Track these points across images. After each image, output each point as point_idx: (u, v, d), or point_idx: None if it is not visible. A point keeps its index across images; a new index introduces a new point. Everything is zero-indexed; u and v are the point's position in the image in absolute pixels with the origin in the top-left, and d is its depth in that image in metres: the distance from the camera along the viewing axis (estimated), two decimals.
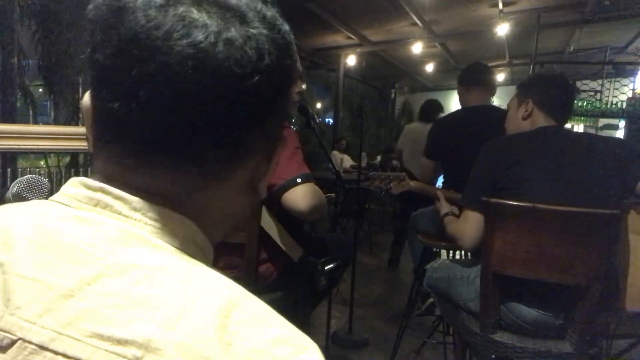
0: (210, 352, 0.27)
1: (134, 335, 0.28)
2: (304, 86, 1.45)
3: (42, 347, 0.28)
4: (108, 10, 0.34)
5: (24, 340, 0.28)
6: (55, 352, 0.28)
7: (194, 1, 0.34)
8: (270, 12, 0.38)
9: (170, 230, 0.35)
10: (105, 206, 0.35)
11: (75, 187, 0.36)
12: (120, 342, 0.28)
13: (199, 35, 0.33)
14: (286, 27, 0.39)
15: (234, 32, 0.34)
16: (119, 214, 0.34)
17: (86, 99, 0.38)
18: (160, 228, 0.35)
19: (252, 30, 0.35)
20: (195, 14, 0.33)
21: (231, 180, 0.40)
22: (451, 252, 2.32)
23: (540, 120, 1.40)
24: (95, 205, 0.35)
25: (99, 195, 0.35)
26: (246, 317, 0.30)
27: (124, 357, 0.27)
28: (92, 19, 0.35)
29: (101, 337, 0.28)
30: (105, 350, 0.27)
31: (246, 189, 0.43)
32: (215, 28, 0.33)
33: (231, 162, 0.39)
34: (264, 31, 0.36)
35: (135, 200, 0.35)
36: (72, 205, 0.35)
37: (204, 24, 0.33)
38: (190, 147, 0.35)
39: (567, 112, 1.43)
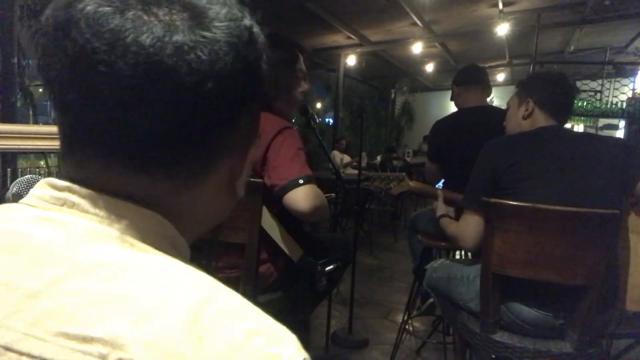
0: (179, 349, 0.27)
1: (100, 332, 0.27)
2: (306, 86, 1.45)
3: (7, 349, 0.28)
4: (57, 23, 0.33)
5: None
6: (20, 353, 0.28)
7: (144, 5, 0.33)
8: (228, 7, 0.36)
9: (140, 227, 0.35)
10: (72, 205, 0.34)
11: (43, 188, 0.36)
12: (85, 339, 0.27)
13: (146, 42, 0.32)
14: (247, 22, 0.37)
15: (182, 37, 0.33)
16: (86, 212, 0.34)
17: None
18: (129, 225, 0.34)
19: (205, 33, 0.34)
20: (142, 19, 0.32)
21: (204, 183, 0.39)
22: (451, 252, 2.32)
23: (541, 119, 1.40)
24: (62, 204, 0.34)
25: (65, 195, 0.35)
26: (219, 310, 0.30)
27: (89, 354, 0.27)
28: (44, 31, 0.34)
29: (67, 335, 0.27)
30: (71, 348, 0.27)
31: (223, 189, 0.42)
32: (162, 32, 0.32)
33: (201, 166, 0.38)
34: (220, 32, 0.34)
35: (102, 198, 0.34)
36: (40, 206, 0.35)
37: (150, 29, 0.32)
38: (153, 153, 0.35)
39: (567, 111, 1.43)
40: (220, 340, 0.28)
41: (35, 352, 0.27)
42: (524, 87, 1.47)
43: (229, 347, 0.28)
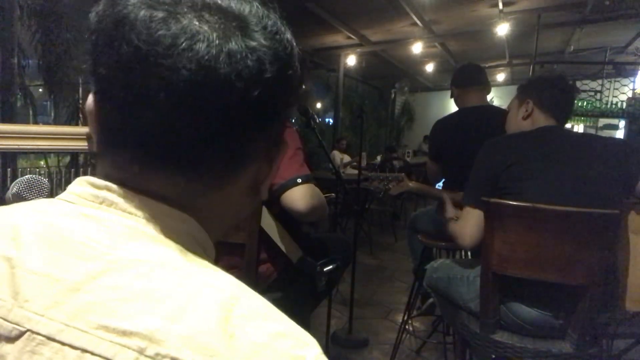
0: (213, 344, 0.28)
1: (139, 327, 0.29)
2: (303, 86, 1.45)
3: (50, 338, 0.29)
4: (109, 22, 0.34)
5: (32, 332, 0.29)
6: (62, 343, 0.29)
7: (196, 12, 0.34)
8: (272, 20, 0.38)
9: (173, 227, 0.36)
10: (111, 204, 0.36)
11: (82, 185, 0.37)
12: (125, 333, 0.28)
13: (201, 49, 0.33)
14: (288, 35, 0.39)
15: (235, 45, 0.34)
16: (124, 211, 0.35)
17: (90, 101, 0.38)
18: (163, 225, 0.36)
19: (253, 43, 0.35)
20: (197, 26, 0.33)
21: (234, 184, 0.40)
22: (451, 252, 2.32)
23: (541, 120, 1.40)
24: (101, 203, 0.36)
25: (104, 194, 0.36)
26: (247, 311, 0.31)
27: (128, 347, 0.28)
28: (94, 29, 0.35)
29: (107, 328, 0.29)
30: (111, 341, 0.28)
31: (248, 191, 0.43)
32: (217, 41, 0.33)
33: (233, 169, 0.39)
34: (266, 42, 0.36)
35: (139, 198, 0.36)
36: (79, 203, 0.36)
37: (206, 37, 0.33)
38: (192, 156, 0.36)
39: (567, 112, 1.43)
40: (249, 339, 0.29)
41: (77, 343, 0.29)
42: (523, 89, 1.48)
43: (257, 347, 0.29)
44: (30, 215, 0.35)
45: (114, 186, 0.36)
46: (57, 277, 0.31)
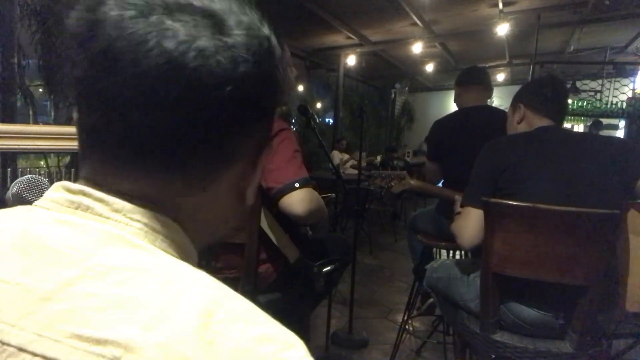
0: (190, 352, 0.27)
1: (114, 335, 0.28)
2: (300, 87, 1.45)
3: (21, 349, 0.28)
4: (83, 25, 0.35)
5: (3, 343, 0.28)
6: (34, 354, 0.28)
7: (168, 10, 0.34)
8: (249, 17, 0.38)
9: (152, 231, 0.36)
10: (86, 208, 0.35)
11: (57, 191, 0.36)
12: (99, 342, 0.28)
13: (169, 45, 0.33)
14: (266, 31, 0.39)
15: (205, 42, 0.34)
16: (100, 215, 0.35)
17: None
18: (141, 229, 0.35)
19: (226, 39, 0.35)
20: (166, 23, 0.33)
21: (216, 186, 0.40)
22: (451, 252, 2.32)
23: (535, 121, 1.40)
24: (76, 208, 0.35)
25: (79, 198, 0.35)
26: (229, 315, 0.30)
27: (103, 356, 0.27)
28: (70, 33, 0.36)
29: (80, 337, 0.28)
30: (84, 350, 0.27)
31: (233, 194, 0.43)
32: (185, 37, 0.33)
33: (214, 169, 0.39)
34: (240, 39, 0.36)
35: (116, 201, 0.35)
36: (54, 209, 0.35)
37: (174, 34, 0.33)
38: (170, 155, 0.36)
39: (560, 110, 1.42)
40: (230, 345, 0.28)
41: (49, 354, 0.28)
42: (515, 95, 1.50)
43: (239, 352, 0.28)
44: (5, 223, 0.34)
45: (89, 190, 0.35)
46: (30, 286, 0.30)
